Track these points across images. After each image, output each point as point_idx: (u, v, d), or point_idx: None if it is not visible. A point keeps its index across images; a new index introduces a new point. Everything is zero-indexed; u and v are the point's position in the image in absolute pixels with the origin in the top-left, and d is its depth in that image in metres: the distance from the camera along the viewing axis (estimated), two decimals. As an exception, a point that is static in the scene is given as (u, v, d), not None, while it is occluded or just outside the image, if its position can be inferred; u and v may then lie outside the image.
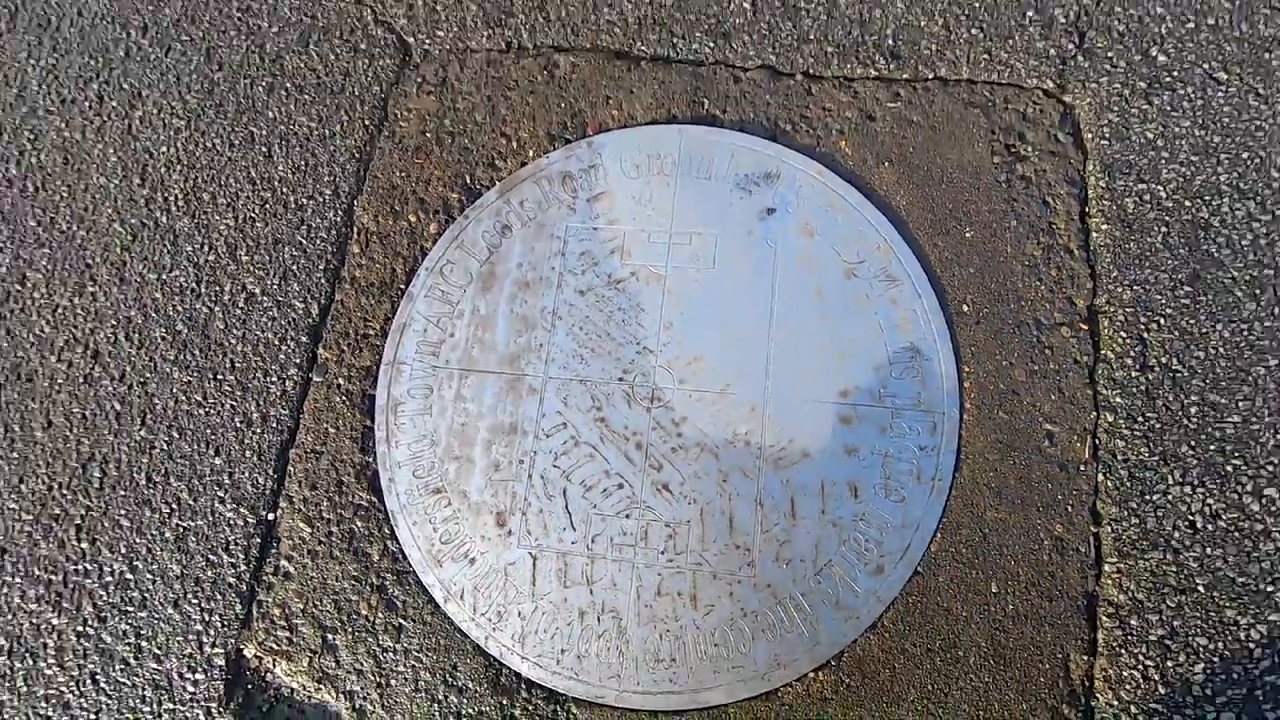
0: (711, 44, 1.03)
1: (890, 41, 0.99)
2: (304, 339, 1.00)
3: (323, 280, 1.02)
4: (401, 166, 1.05)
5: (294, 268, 1.03)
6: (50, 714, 0.89)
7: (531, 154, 1.03)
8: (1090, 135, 0.91)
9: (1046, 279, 0.87)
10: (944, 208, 0.91)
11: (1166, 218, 0.86)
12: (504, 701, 0.83)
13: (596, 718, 0.81)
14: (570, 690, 0.82)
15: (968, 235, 0.89)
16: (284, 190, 1.07)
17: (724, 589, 0.82)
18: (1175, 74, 0.92)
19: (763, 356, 0.89)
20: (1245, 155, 0.87)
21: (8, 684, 0.91)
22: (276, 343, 1.00)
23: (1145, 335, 0.83)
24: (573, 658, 0.82)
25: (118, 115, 1.13)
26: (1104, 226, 0.87)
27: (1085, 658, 0.75)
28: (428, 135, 1.06)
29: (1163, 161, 0.89)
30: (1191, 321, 0.83)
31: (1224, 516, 0.77)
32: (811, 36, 1.01)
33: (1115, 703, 0.72)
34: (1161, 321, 0.83)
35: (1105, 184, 0.89)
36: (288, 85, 1.12)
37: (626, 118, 1.02)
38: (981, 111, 0.94)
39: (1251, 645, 0.73)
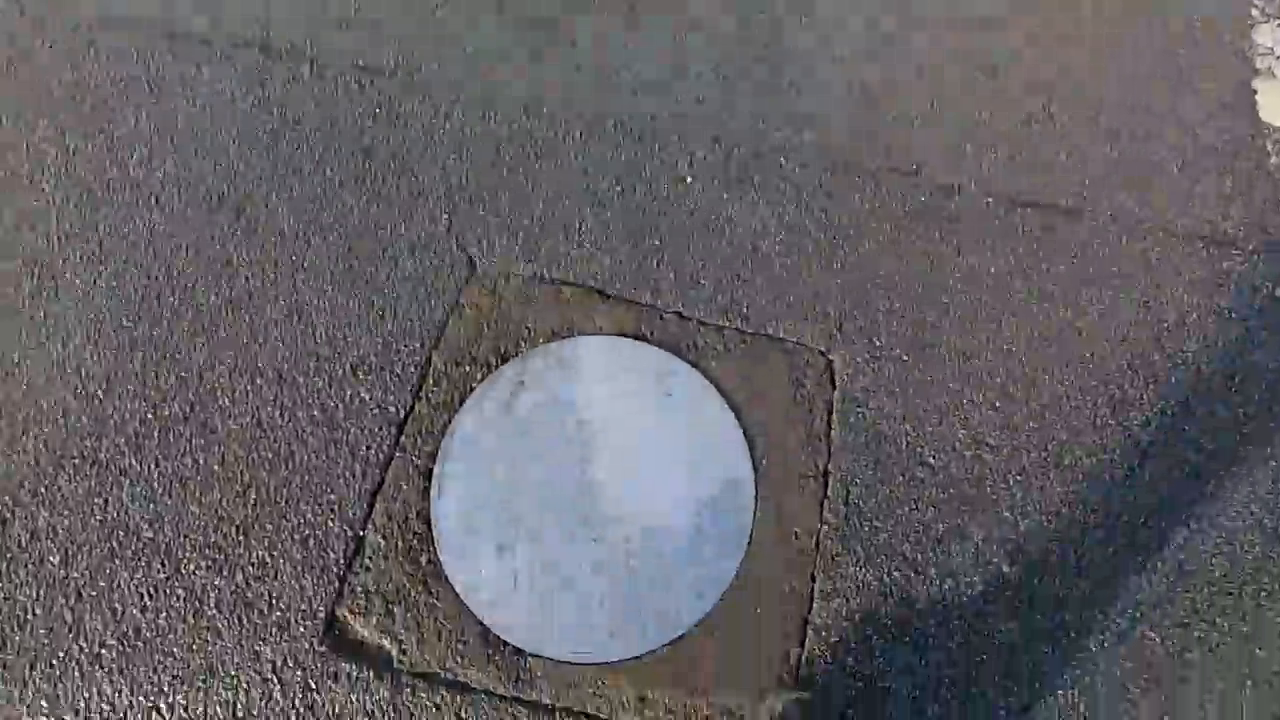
0: (649, 294, 1.70)
1: (744, 309, 1.67)
2: (393, 429, 1.55)
3: (408, 396, 1.59)
4: (468, 333, 1.66)
5: (392, 384, 1.60)
6: (209, 644, 1.35)
7: (540, 341, 1.65)
8: (838, 378, 1.59)
9: (806, 452, 1.52)
10: (761, 405, 1.56)
11: (866, 427, 1.54)
12: (490, 652, 1.35)
13: (539, 665, 1.34)
14: (527, 648, 1.35)
15: (771, 423, 1.54)
16: (390, 340, 1.65)
17: (618, 601, 1.38)
18: (882, 350, 1.63)
19: (655, 472, 1.50)
20: (908, 398, 1.58)
21: (181, 620, 1.36)
22: (375, 429, 1.55)
23: (849, 487, 1.48)
24: (530, 630, 1.36)
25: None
26: (837, 428, 1.54)
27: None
28: (482, 316, 1.68)
29: (870, 397, 1.57)
30: (871, 483, 1.49)
31: (876, 581, 1.40)
32: (703, 298, 1.69)
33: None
34: (858, 480, 1.49)
35: (840, 405, 1.56)
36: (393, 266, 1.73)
37: (597, 329, 1.66)
38: (787, 355, 1.61)
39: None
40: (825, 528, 1.45)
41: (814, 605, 1.38)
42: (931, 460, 1.51)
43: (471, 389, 1.59)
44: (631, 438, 1.53)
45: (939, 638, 1.36)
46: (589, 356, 1.62)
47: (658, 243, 1.77)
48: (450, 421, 1.55)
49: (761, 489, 1.48)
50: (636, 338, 1.64)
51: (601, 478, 1.49)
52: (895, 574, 1.41)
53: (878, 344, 1.64)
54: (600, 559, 1.42)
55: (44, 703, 1.30)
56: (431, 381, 1.60)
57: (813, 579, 1.41)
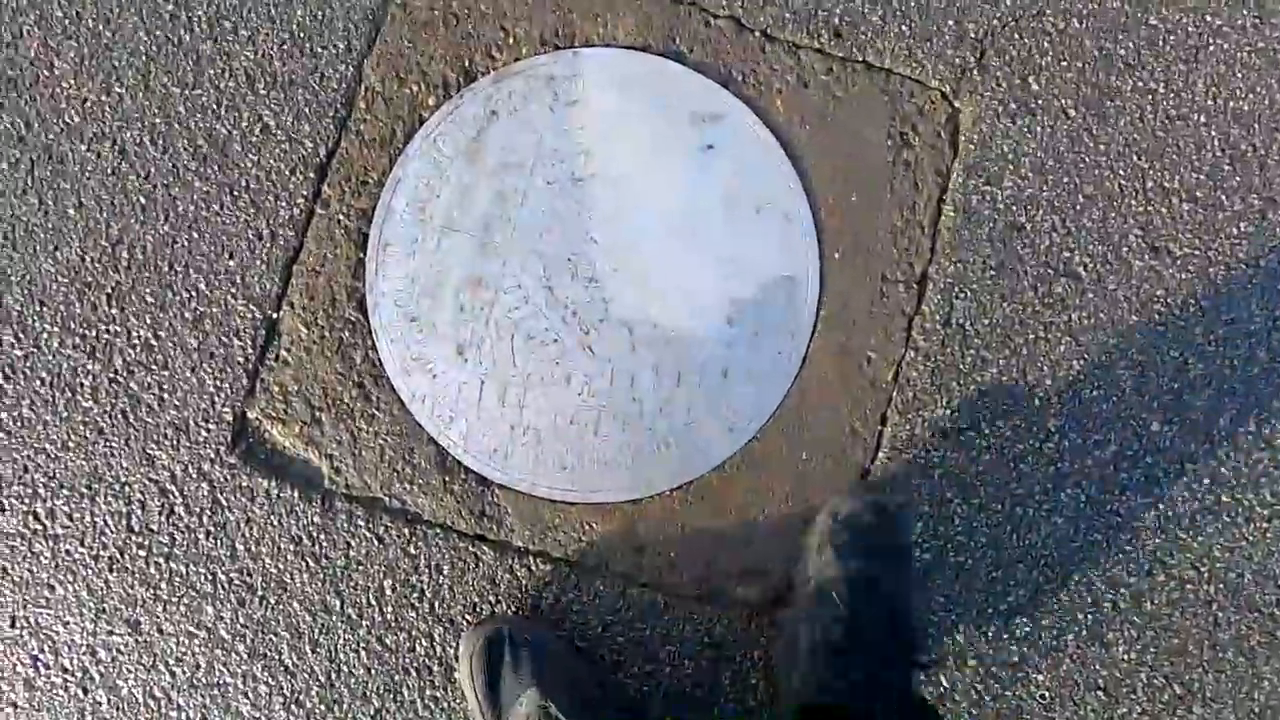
0: (694, -15, 1.09)
1: (837, 21, 1.06)
2: (312, 175, 1.07)
3: (331, 127, 1.08)
4: (410, 37, 1.09)
5: (306, 110, 1.08)
6: (91, 445, 1.03)
7: (525, 52, 1.08)
8: (963, 138, 1.05)
9: (899, 245, 1.03)
10: (841, 172, 1.05)
11: (995, 216, 1.03)
12: (446, 479, 1.02)
13: (510, 499, 1.02)
14: (495, 478, 1.02)
15: (852, 199, 1.04)
16: (301, 36, 1.09)
17: (618, 427, 1.02)
18: (1039, 102, 1.05)
19: (680, 262, 1.03)
20: (1065, 180, 1.04)
21: (50, 411, 1.03)
22: (287, 173, 1.07)
23: (955, 301, 1.02)
24: (501, 456, 1.02)
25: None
26: (950, 213, 1.03)
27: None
28: (435, 13, 1.09)
29: (1006, 172, 1.04)
30: (987, 298, 1.02)
31: (966, 433, 1.01)
32: (776, 1, 1.07)
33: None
34: (968, 293, 1.02)
35: (962, 180, 1.03)
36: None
37: (609, 38, 1.08)
38: (890, 100, 1.05)
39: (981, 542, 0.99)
40: (910, 354, 1.02)
41: (877, 458, 1.01)
42: (1082, 269, 1.03)
43: (421, 120, 1.07)
44: (649, 206, 1.04)
45: (1049, 529, 1.01)
46: (594, 79, 1.06)
47: (712, -101, 1.10)
48: (391, 166, 1.06)
49: (827, 295, 1.03)
50: (668, 56, 1.07)
51: (602, 262, 1.03)
52: (1000, 428, 1.01)
53: (1033, 88, 1.06)
54: (595, 371, 1.02)
55: (-103, 495, 1.02)
56: (364, 106, 1.08)
57: (882, 421, 1.01)
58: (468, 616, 0.99)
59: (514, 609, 0.99)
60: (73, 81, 1.09)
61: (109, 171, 1.07)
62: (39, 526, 1.01)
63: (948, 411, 1.01)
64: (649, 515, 1.01)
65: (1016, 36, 1.07)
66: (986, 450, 1.00)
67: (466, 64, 1.08)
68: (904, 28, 1.06)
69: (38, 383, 1.04)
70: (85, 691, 0.99)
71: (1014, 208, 1.03)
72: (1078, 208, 1.03)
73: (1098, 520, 0.98)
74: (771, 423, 1.01)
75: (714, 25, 1.08)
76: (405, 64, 1.08)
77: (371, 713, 0.98)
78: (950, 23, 1.06)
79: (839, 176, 1.04)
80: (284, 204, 1.06)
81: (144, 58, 1.09)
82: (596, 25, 1.08)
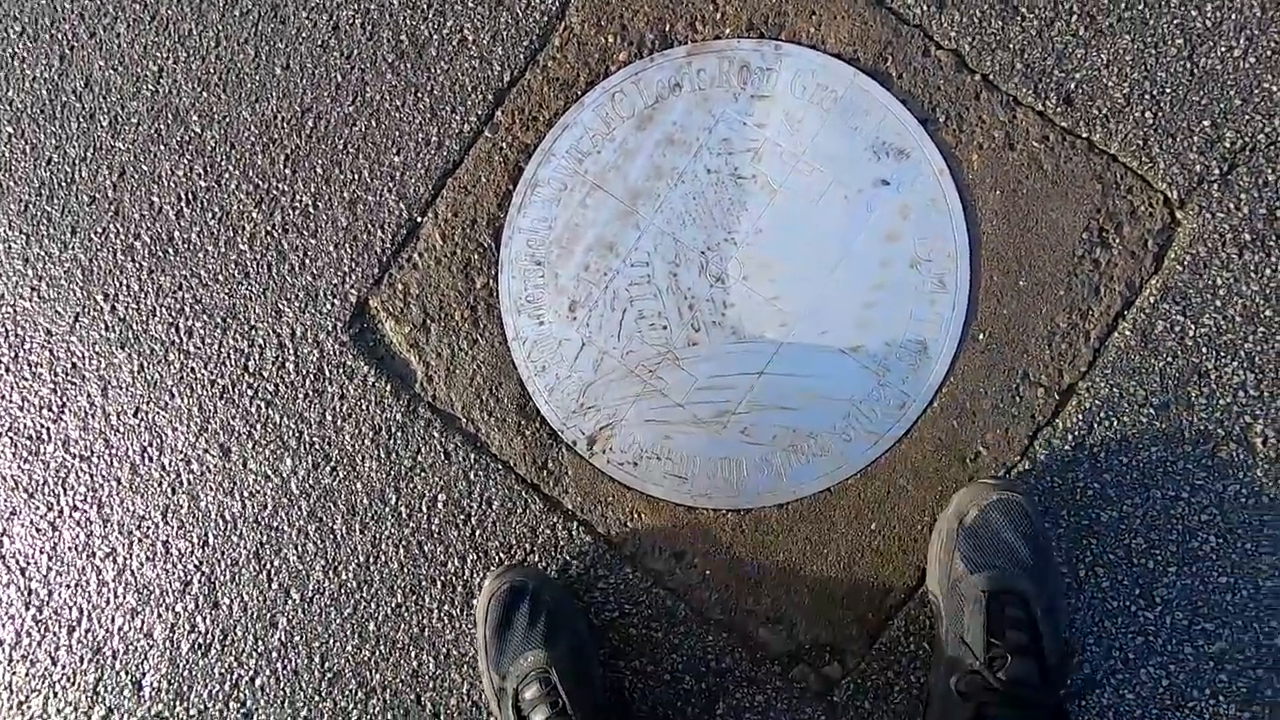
0: (925, 5, 0.93)
1: (1072, 86, 0.88)
2: (490, 97, 1.02)
3: (522, 56, 1.01)
4: (622, -13, 1.00)
5: (504, 33, 1.02)
6: (236, 283, 1.05)
7: (728, 32, 0.97)
8: (1172, 255, 0.85)
9: (1054, 348, 0.87)
10: (1018, 250, 0.88)
11: (1178, 352, 0.84)
12: (521, 422, 0.97)
13: (572, 462, 0.96)
14: (565, 437, 0.96)
15: (1020, 283, 0.87)
16: (523, -40, 1.02)
17: (697, 430, 0.93)
18: (1277, 242, 0.84)
19: (814, 290, 0.92)
20: (1276, 337, 0.83)
21: (212, 243, 1.06)
22: (469, 89, 1.02)
23: (1093, 422, 0.85)
24: (578, 418, 0.96)
25: None
26: (1126, 332, 0.85)
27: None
28: (655, -30, 0.99)
29: (1211, 308, 0.84)
30: (1135, 435, 0.85)
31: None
32: (1011, 45, 0.90)
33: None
34: (1113, 423, 0.85)
35: (1154, 301, 0.85)
36: None
37: (818, 40, 0.94)
38: (1103, 189, 0.87)
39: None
40: (1025, 464, 0.86)
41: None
42: (1260, 442, 0.83)
43: (608, 72, 0.99)
44: (802, 224, 0.92)
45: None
46: (789, 79, 0.94)
47: (979, -82, 0.92)
48: (565, 110, 0.99)
49: (956, 375, 0.88)
50: (873, 75, 0.93)
51: (735, 265, 0.93)
52: (1097, 576, 0.85)
53: (1279, 224, 0.85)
54: (692, 369, 0.93)
55: (79, 273, 1.08)
56: (557, 45, 1.01)
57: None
58: (502, 554, 0.95)
59: (544, 563, 0.94)
60: (312, -49, 1.07)
61: (319, 44, 1.06)
62: (176, 340, 1.05)
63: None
64: (699, 525, 0.93)
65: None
66: (1076, 594, 0.85)
67: (667, 28, 0.98)
68: (1149, 114, 0.87)
69: (209, 216, 1.06)
70: (173, 491, 1.03)
71: (1204, 349, 0.84)
72: (1279, 375, 0.83)
73: (1173, 713, 0.81)
74: (852, 482, 0.89)
75: (933, 55, 0.92)
76: (608, 13, 1.00)
77: (394, 605, 0.97)
78: (1206, 123, 0.86)
79: (1013, 255, 0.88)
80: (458, 117, 1.02)
81: (377, -56, 1.05)
82: (809, 24, 0.95)
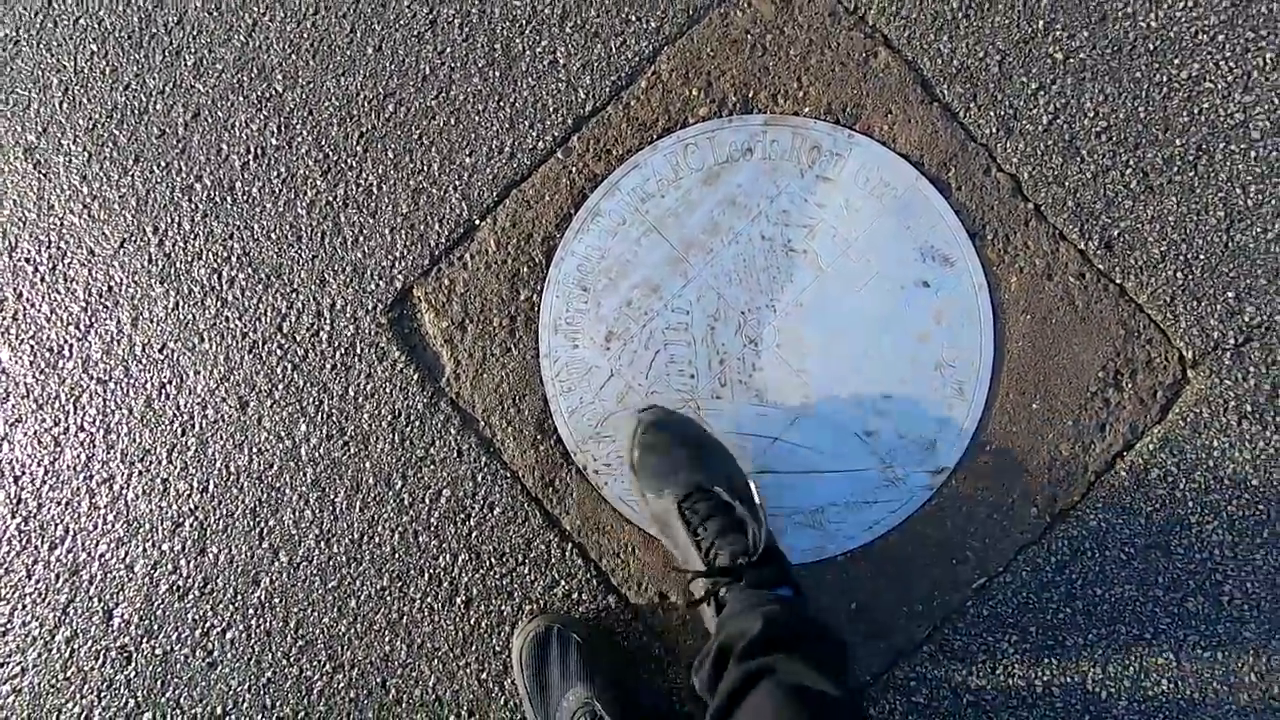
0: (994, 128, 0.95)
1: (1115, 233, 0.91)
2: (569, 121, 1.02)
3: (607, 89, 1.02)
4: (713, 46, 1.01)
5: (595, 64, 1.03)
6: (287, 244, 1.04)
7: (806, 111, 0.98)
8: (1177, 410, 0.88)
9: (1054, 473, 0.89)
10: (1037, 375, 0.91)
11: (1167, 501, 0.87)
12: (537, 436, 0.97)
13: (579, 485, 0.97)
14: (576, 460, 0.97)
15: (1034, 405, 0.90)
16: (625, 0, 1.03)
17: (702, 479, 0.94)
18: (1275, 418, 0.87)
19: (841, 371, 0.93)
20: (1259, 507, 0.86)
21: (271, 200, 1.05)
22: (551, 109, 1.03)
23: (1077, 550, 0.88)
24: (592, 444, 0.96)
25: None
26: (1123, 473, 0.88)
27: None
28: (749, 37, 1.01)
29: (1203, 466, 0.87)
30: (1113, 570, 0.87)
31: (986, 694, 0.87)
32: (1066, 183, 0.93)
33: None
34: (1096, 555, 0.87)
35: (1153, 448, 0.87)
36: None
37: (889, 137, 0.96)
38: (1125, 335, 0.90)
39: None
40: (1006, 578, 0.88)
41: (910, 664, 0.89)
42: (1225, 600, 0.86)
43: (685, 123, 1.00)
44: (840, 307, 0.94)
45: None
46: (855, 168, 0.96)
47: (1079, 65, 0.95)
48: (638, 149, 1.00)
49: (958, 479, 0.90)
50: (934, 181, 0.95)
51: (770, 331, 0.94)
52: (1017, 711, 0.87)
53: (1275, 398, 0.88)
54: (723, 425, 0.94)
55: (134, 201, 1.06)
56: (643, 87, 1.02)
57: (935, 627, 0.89)
58: (494, 560, 0.95)
59: (531, 577, 0.94)
60: (427, -55, 1.07)
61: (414, 34, 1.05)
62: (217, 286, 1.04)
63: (993, 662, 0.87)
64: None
65: (1296, 337, 0.88)
66: (1028, 709, 0.86)
67: (749, 94, 1.00)
68: (1180, 274, 0.90)
69: (274, 174, 1.05)
70: (183, 433, 1.02)
71: (1190, 504, 0.86)
72: (1257, 541, 0.85)
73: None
74: (840, 561, 0.91)
75: (993, 175, 0.94)
76: (697, 67, 1.01)
77: (379, 587, 0.96)
78: (1230, 294, 0.89)
79: (1032, 379, 0.90)
80: (534, 133, 1.02)
81: (491, -47, 1.06)
82: (884, 120, 0.97)
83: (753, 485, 0.77)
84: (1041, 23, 0.95)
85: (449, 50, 1.04)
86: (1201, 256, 0.90)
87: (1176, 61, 0.92)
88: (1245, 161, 0.90)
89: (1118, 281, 0.90)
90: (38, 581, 1.01)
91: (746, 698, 0.56)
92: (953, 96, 0.95)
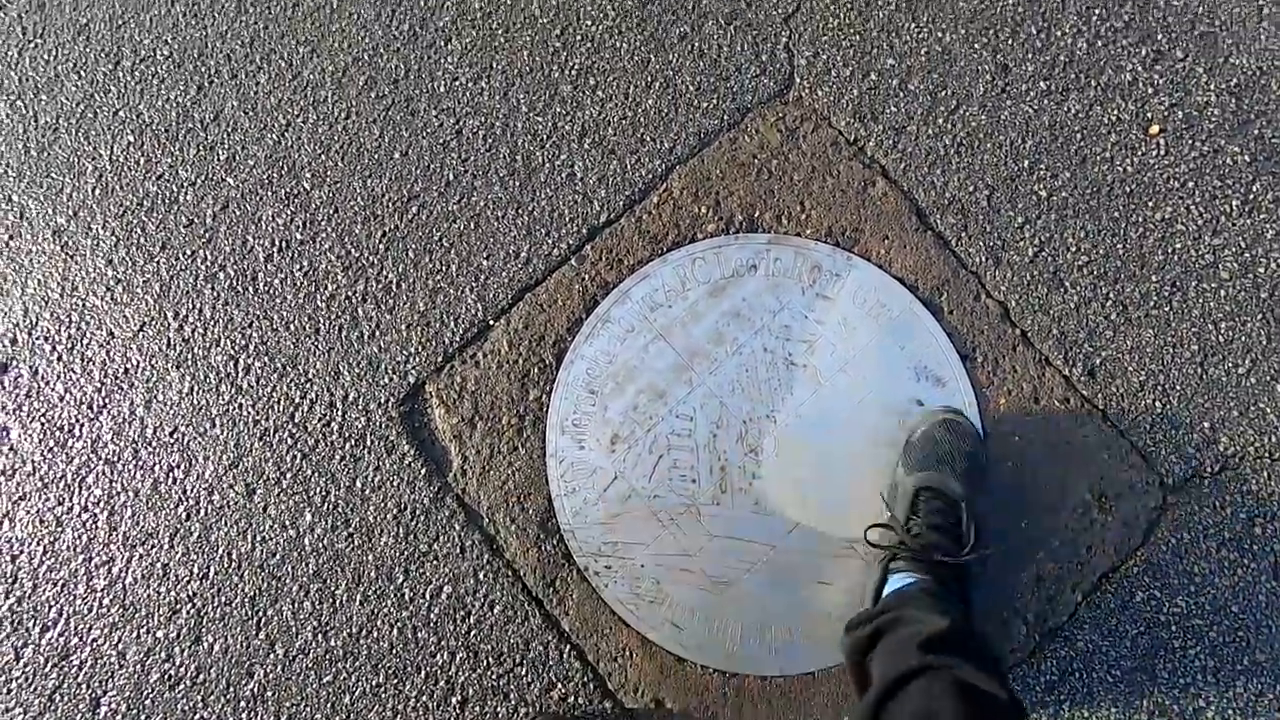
0: (983, 257, 1.01)
1: (1097, 362, 0.96)
2: (584, 231, 1.07)
3: (620, 203, 1.07)
4: (722, 168, 1.07)
5: (610, 179, 1.08)
6: (305, 335, 1.06)
7: (808, 232, 1.04)
8: (1159, 535, 0.91)
9: (1043, 591, 0.91)
10: (1022, 495, 0.93)
11: (1153, 624, 0.89)
12: (540, 536, 0.98)
13: (579, 586, 0.97)
14: (579, 562, 0.97)
15: (1022, 524, 0.92)
16: (640, 121, 1.09)
17: (697, 585, 0.95)
18: (1255, 547, 0.91)
19: (837, 482, 0.96)
20: (1238, 634, 0.88)
21: (292, 292, 1.08)
22: (567, 219, 1.07)
23: (1066, 671, 0.89)
24: (595, 546, 0.97)
25: (579, -26, 1.13)
26: (1109, 594, 0.90)
27: None
28: (756, 161, 1.07)
29: (1185, 590, 0.90)
30: (1101, 693, 0.88)
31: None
32: (1051, 312, 0.98)
33: None
34: (1084, 676, 0.88)
35: (1138, 570, 0.90)
36: (695, 44, 1.11)
37: (885, 260, 1.02)
38: (1109, 458, 0.93)
39: None
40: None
41: None
42: (1207, 727, 0.87)
43: (695, 238, 1.05)
44: (837, 420, 0.97)
45: None
46: (853, 288, 1.00)
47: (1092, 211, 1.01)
48: (648, 261, 1.04)
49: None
50: (927, 305, 0.99)
51: (771, 441, 0.97)
52: None
53: (1256, 531, 0.91)
54: (709, 527, 0.96)
55: (157, 286, 1.09)
56: (655, 202, 1.07)
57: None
58: (491, 659, 0.95)
59: (529, 679, 0.94)
60: (456, 61, 1.14)
61: (440, 143, 1.11)
62: (232, 373, 1.06)
63: None
64: (684, 677, 0.93)
65: (1265, 474, 0.92)
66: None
67: (755, 214, 1.05)
68: (1158, 403, 0.94)
69: (297, 267, 1.08)
70: (188, 517, 1.02)
71: (1174, 627, 0.88)
72: (1238, 668, 0.87)
73: None
74: (837, 673, 0.91)
75: (983, 301, 0.99)
76: (708, 188, 1.06)
77: (375, 683, 0.95)
78: (1206, 424, 0.93)
79: (1019, 498, 0.93)
80: (550, 241, 1.07)
81: (515, 73, 1.12)
82: (881, 245, 1.02)
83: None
84: (1027, 162, 1.02)
85: (472, 159, 1.10)
86: (1178, 387, 0.94)
87: (1151, 204, 0.99)
88: (1216, 299, 0.96)
89: (1100, 407, 0.94)
90: (25, 665, 0.99)
91: (916, 680, 0.63)
92: (945, 226, 1.01)
